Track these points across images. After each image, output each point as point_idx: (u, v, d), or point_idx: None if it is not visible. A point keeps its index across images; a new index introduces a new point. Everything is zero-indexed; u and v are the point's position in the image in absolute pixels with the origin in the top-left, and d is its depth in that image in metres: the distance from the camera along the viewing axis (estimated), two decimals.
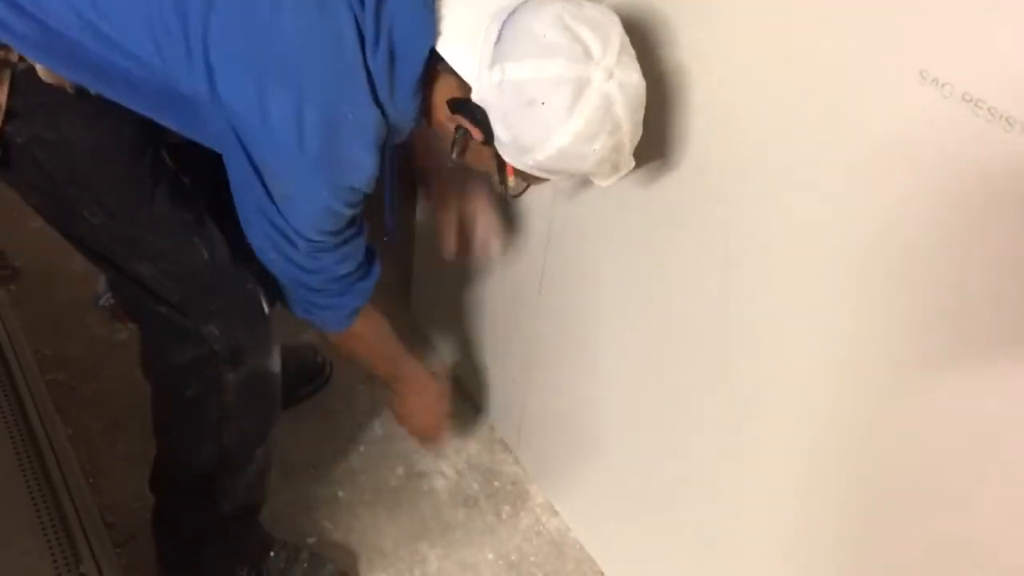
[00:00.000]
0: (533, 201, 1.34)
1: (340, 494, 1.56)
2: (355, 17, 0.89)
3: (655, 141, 1.06)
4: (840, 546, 1.01)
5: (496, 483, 1.62)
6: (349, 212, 1.01)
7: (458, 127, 0.95)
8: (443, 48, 0.91)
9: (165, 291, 1.07)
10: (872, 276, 0.86)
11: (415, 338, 1.83)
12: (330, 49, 0.90)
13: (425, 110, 0.97)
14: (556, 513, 1.57)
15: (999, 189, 0.72)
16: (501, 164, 0.95)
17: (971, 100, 0.72)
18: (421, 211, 1.70)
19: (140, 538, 1.41)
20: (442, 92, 0.95)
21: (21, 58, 0.93)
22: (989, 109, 0.71)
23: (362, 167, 0.97)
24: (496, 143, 0.92)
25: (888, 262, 0.84)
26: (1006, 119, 0.70)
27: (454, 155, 0.97)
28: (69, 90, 0.95)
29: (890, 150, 0.80)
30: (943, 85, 0.74)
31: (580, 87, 0.86)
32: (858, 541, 0.98)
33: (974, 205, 0.75)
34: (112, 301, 1.79)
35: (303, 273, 1.08)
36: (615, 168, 0.95)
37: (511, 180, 0.98)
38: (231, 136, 0.95)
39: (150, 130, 1.01)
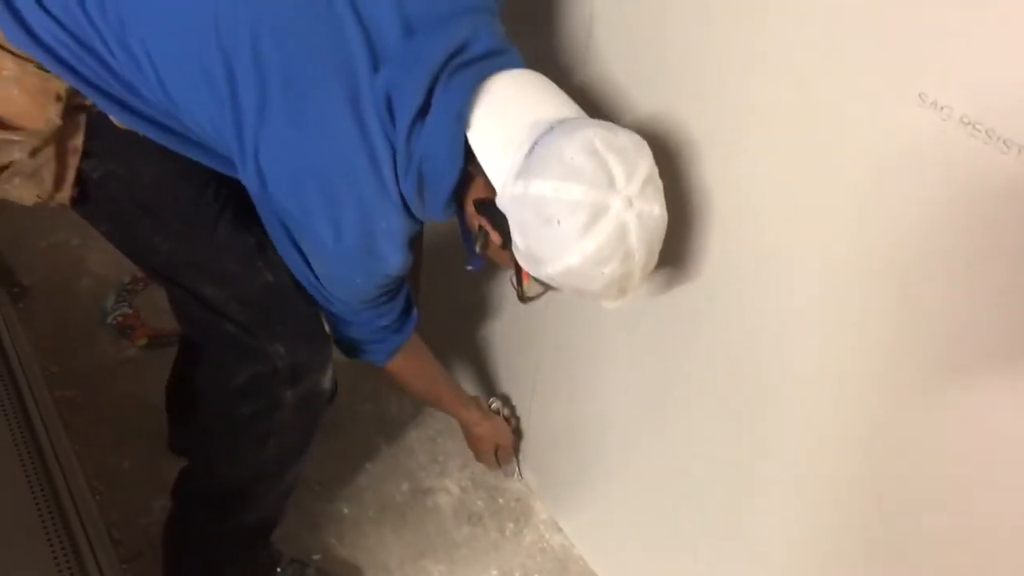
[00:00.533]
0: None
1: (346, 511, 1.57)
2: (389, 141, 0.95)
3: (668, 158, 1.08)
4: (849, 567, 1.02)
5: (500, 500, 1.63)
6: (382, 291, 1.11)
7: (481, 226, 0.99)
8: (478, 149, 0.94)
9: (231, 312, 1.11)
10: (876, 295, 0.88)
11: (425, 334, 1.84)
12: (365, 168, 0.96)
13: (458, 203, 1.02)
14: (560, 530, 1.58)
15: (997, 209, 0.74)
16: (519, 266, 0.99)
17: (969, 123, 0.74)
18: (426, 229, 1.71)
19: (147, 554, 1.42)
20: (473, 190, 0.99)
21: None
22: (987, 131, 0.73)
23: (393, 262, 1.05)
24: (513, 248, 0.95)
25: (892, 281, 0.86)
26: (1003, 141, 0.72)
27: (476, 249, 1.02)
28: (140, 132, 1.00)
29: (891, 172, 0.82)
30: (942, 108, 0.76)
31: (597, 213, 0.88)
32: (868, 563, 0.99)
33: (974, 225, 0.77)
34: (120, 319, 1.81)
35: (343, 324, 1.18)
36: (622, 293, 0.97)
37: (526, 283, 1.02)
38: (277, 219, 1.04)
39: None
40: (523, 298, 1.05)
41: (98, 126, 0.99)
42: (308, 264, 1.08)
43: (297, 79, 0.93)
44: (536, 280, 1.00)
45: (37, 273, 1.90)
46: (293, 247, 1.06)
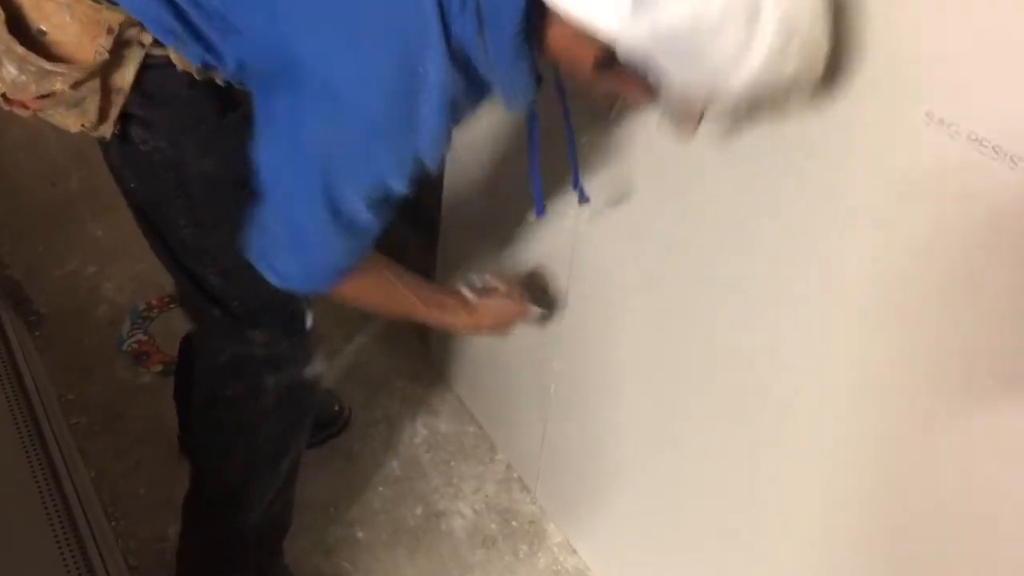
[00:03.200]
0: (552, 232, 1.37)
1: (359, 535, 1.57)
2: None
3: (678, 175, 1.09)
4: None
5: (514, 523, 1.62)
6: (399, 190, 0.92)
7: (612, 92, 0.87)
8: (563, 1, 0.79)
9: (226, 299, 1.13)
10: (886, 312, 0.88)
11: (432, 373, 1.85)
12: (404, 4, 0.82)
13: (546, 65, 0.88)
14: (574, 552, 1.57)
15: (1005, 225, 0.74)
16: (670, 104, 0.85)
17: (976, 139, 0.74)
18: (441, 245, 1.73)
19: None
20: (561, 45, 0.84)
21: (155, 42, 0.94)
22: (994, 148, 0.73)
23: (429, 131, 0.87)
24: (664, 93, 0.82)
25: (902, 297, 0.86)
26: (1011, 157, 0.72)
27: (612, 115, 0.93)
28: (197, 76, 0.96)
29: (901, 191, 0.82)
30: (949, 125, 0.76)
31: (752, 15, 0.74)
32: None
33: (982, 241, 0.77)
34: (135, 345, 1.82)
35: (289, 246, 0.99)
36: (812, 76, 0.82)
37: (688, 121, 0.89)
38: (273, 95, 0.91)
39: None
40: (684, 129, 0.91)
41: (157, 93, 0.97)
42: (302, 149, 0.91)
43: None
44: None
45: (54, 301, 1.92)
46: (281, 134, 0.92)
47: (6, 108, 0.98)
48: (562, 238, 1.34)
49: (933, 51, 0.76)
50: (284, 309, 1.15)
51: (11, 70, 0.93)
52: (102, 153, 1.09)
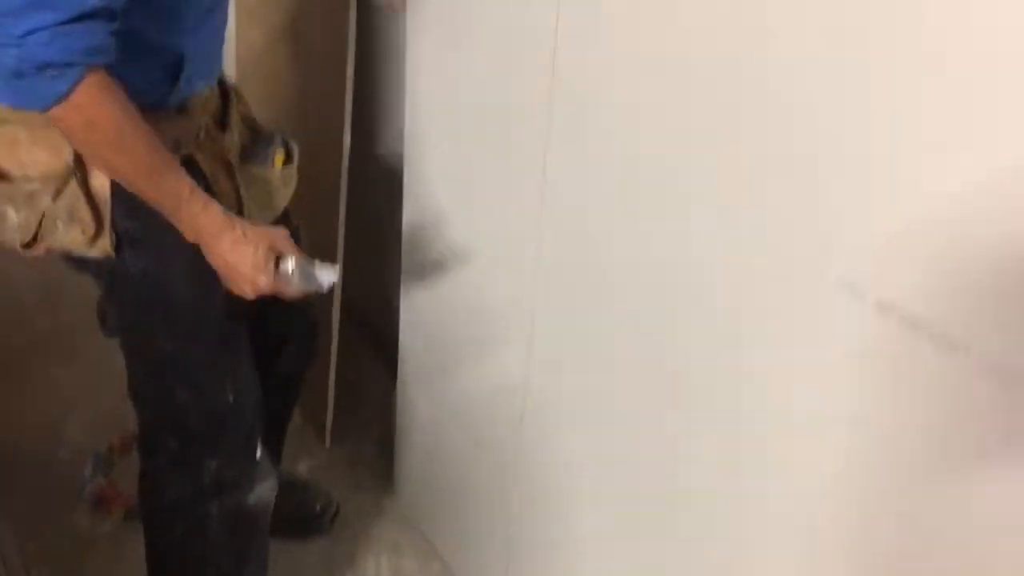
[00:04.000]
0: (504, 363, 1.40)
1: None
2: None
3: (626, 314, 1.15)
4: None
5: None
6: None
7: None
8: None
9: (185, 417, 1.15)
10: (803, 485, 0.92)
11: (397, 510, 1.85)
12: None
13: None
14: None
15: (911, 392, 0.79)
16: None
17: (884, 306, 0.80)
18: (402, 382, 1.76)
19: None
20: None
21: None
22: (900, 315, 0.79)
23: None
24: None
25: (812, 460, 0.90)
26: (912, 323, 0.78)
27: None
28: None
29: (810, 356, 0.87)
30: (857, 291, 0.82)
31: None
32: None
33: (890, 408, 0.81)
34: (96, 492, 1.80)
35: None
36: None
37: None
38: None
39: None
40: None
41: (133, 204, 0.99)
42: None
43: None
44: None
45: (16, 445, 1.90)
46: None
47: (29, 254, 1.03)
48: (514, 369, 1.37)
49: (842, 212, 0.81)
50: (240, 428, 1.18)
51: (11, 214, 0.99)
52: (98, 281, 1.10)
